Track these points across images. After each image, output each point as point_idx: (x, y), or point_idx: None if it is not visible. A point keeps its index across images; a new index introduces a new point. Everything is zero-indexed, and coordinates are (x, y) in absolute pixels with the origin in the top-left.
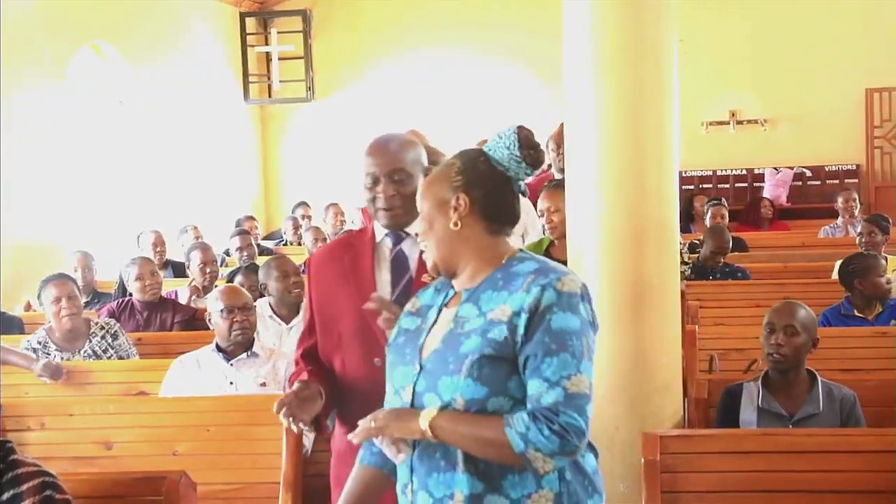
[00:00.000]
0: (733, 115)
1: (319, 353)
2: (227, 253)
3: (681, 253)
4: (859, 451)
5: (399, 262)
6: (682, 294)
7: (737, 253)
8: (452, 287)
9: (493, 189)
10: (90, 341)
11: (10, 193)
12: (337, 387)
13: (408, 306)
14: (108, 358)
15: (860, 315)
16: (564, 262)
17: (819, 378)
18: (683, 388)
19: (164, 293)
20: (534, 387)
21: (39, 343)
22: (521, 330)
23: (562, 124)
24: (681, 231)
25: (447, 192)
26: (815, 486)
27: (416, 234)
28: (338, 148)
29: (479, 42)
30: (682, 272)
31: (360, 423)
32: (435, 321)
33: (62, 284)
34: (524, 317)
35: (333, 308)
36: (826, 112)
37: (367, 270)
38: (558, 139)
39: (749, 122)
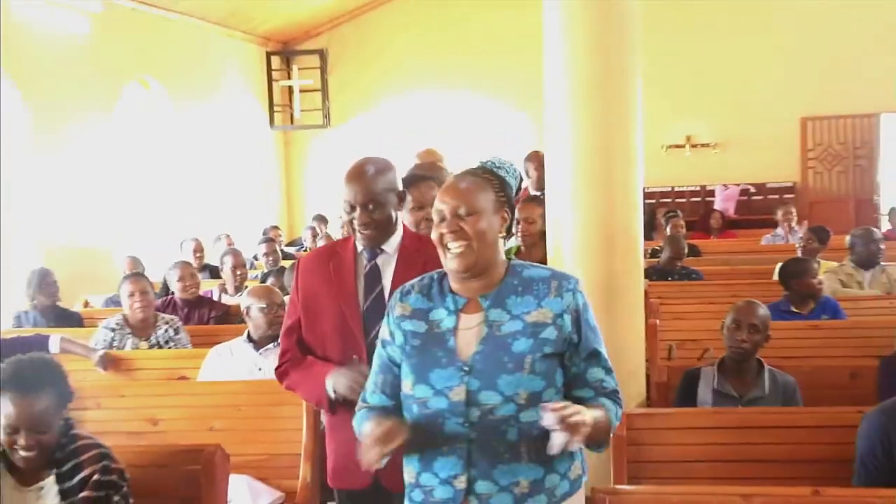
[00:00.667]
0: (688, 139)
1: (305, 347)
2: (256, 258)
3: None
4: (798, 426)
5: (373, 275)
6: (646, 293)
7: (691, 257)
8: (452, 293)
9: (512, 207)
10: (157, 332)
11: (69, 205)
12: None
13: (397, 311)
14: (169, 348)
15: (796, 311)
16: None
17: (765, 365)
18: (646, 373)
19: (201, 292)
20: (595, 375)
21: (117, 325)
22: (568, 328)
23: (537, 151)
24: (644, 239)
25: (496, 205)
26: (762, 457)
27: (448, 236)
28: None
29: (469, 76)
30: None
31: (556, 407)
32: (456, 325)
33: (137, 282)
34: (567, 318)
35: (318, 307)
36: (767, 137)
37: (348, 277)
38: (535, 163)
39: (702, 145)
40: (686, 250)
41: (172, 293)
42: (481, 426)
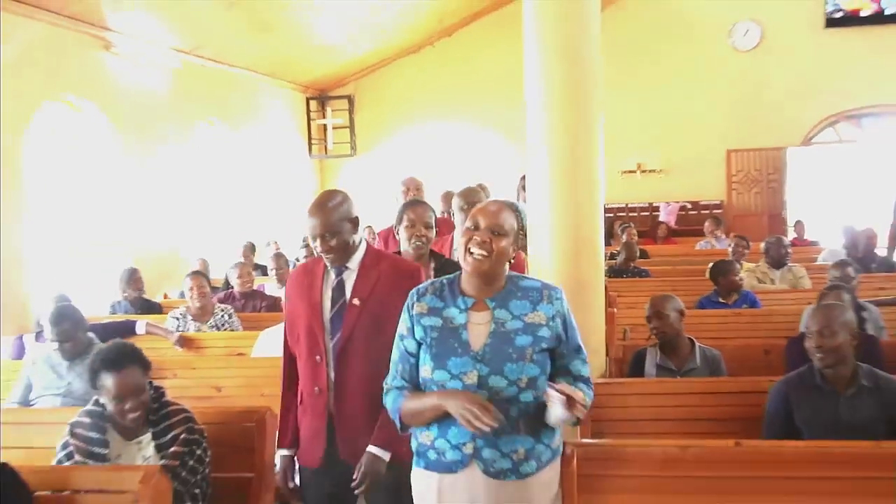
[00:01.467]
0: (639, 166)
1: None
2: (297, 259)
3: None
4: (723, 392)
5: (339, 289)
6: (606, 287)
7: (642, 259)
8: (462, 294)
9: (525, 243)
10: (214, 317)
11: (153, 217)
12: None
13: (416, 309)
14: (224, 330)
15: (723, 301)
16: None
17: (696, 343)
18: (606, 350)
19: (255, 287)
20: (576, 366)
21: (181, 314)
22: (558, 329)
23: (524, 175)
24: (605, 245)
25: (515, 236)
26: (695, 416)
27: (473, 246)
28: (372, 188)
29: (467, 114)
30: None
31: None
32: (466, 321)
33: (196, 277)
34: (558, 321)
35: (295, 314)
36: (700, 165)
37: (315, 292)
38: (523, 184)
39: (649, 171)
40: (637, 254)
41: (232, 287)
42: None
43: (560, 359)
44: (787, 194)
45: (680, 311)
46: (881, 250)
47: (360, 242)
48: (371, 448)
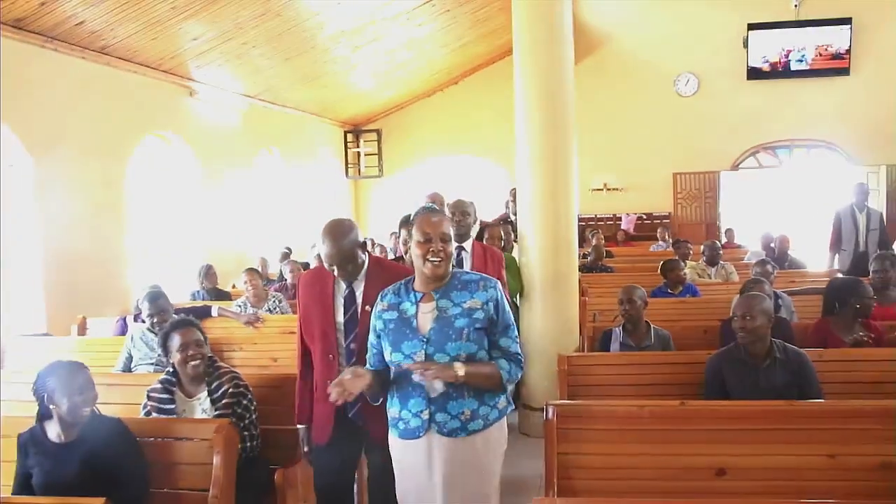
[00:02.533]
0: (605, 185)
1: (305, 343)
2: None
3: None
4: (672, 363)
5: (350, 297)
6: (579, 281)
7: (607, 258)
8: (414, 291)
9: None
10: (268, 303)
11: (224, 225)
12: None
13: (378, 307)
14: (277, 313)
15: (671, 292)
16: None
17: (651, 325)
18: (580, 330)
19: None
20: (505, 343)
21: (242, 302)
22: (490, 311)
23: (514, 188)
24: (578, 247)
25: (451, 237)
26: (650, 382)
27: (443, 253)
28: (395, 203)
29: (469, 144)
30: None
31: (414, 367)
32: (416, 311)
33: (249, 273)
34: (490, 305)
35: (310, 317)
36: (653, 184)
37: (328, 300)
38: (512, 196)
39: (613, 189)
40: (604, 254)
41: (285, 279)
42: None
43: (492, 336)
44: (720, 208)
45: (644, 300)
46: (792, 252)
47: (364, 261)
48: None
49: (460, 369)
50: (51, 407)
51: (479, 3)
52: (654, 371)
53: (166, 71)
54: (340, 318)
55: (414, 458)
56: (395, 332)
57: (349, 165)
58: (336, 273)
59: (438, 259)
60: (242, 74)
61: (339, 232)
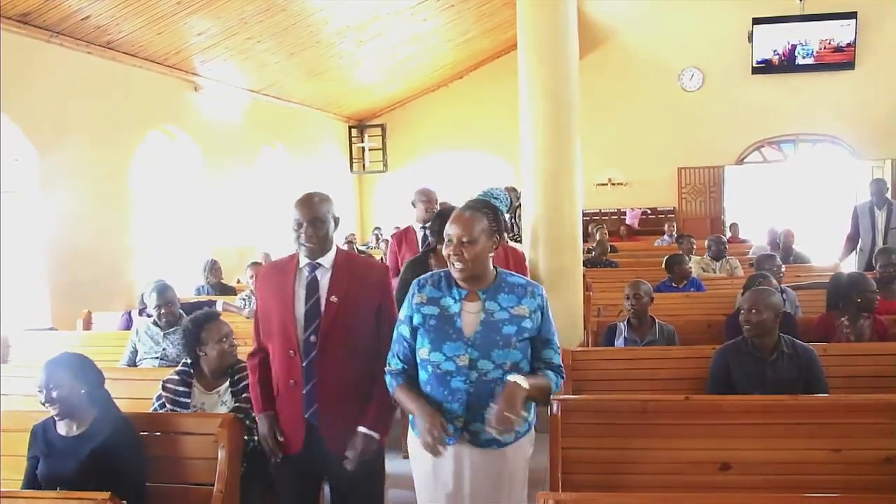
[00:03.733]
0: (610, 180)
1: (261, 340)
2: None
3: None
4: (676, 357)
5: (312, 284)
6: (584, 275)
7: (612, 253)
8: (458, 286)
9: (501, 233)
10: None
11: (228, 220)
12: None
13: (416, 299)
14: None
15: (675, 286)
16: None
17: (656, 320)
18: (584, 325)
19: None
20: (548, 354)
21: (246, 296)
22: (538, 320)
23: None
24: (583, 242)
25: (488, 232)
26: (654, 377)
27: (457, 251)
28: (400, 198)
29: (473, 140)
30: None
31: (495, 424)
32: (460, 310)
33: (253, 267)
34: (538, 314)
35: (268, 310)
36: (658, 179)
37: (289, 288)
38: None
39: (618, 184)
40: (608, 249)
41: None
42: (478, 384)
43: (537, 346)
44: (725, 202)
45: (650, 295)
46: (797, 246)
47: (333, 243)
48: (363, 429)
49: (523, 382)
50: (55, 400)
51: None
52: (658, 366)
53: (171, 66)
54: (301, 308)
55: (441, 467)
56: (437, 330)
57: (353, 160)
58: (305, 241)
59: (460, 263)
60: (247, 69)
61: (314, 194)
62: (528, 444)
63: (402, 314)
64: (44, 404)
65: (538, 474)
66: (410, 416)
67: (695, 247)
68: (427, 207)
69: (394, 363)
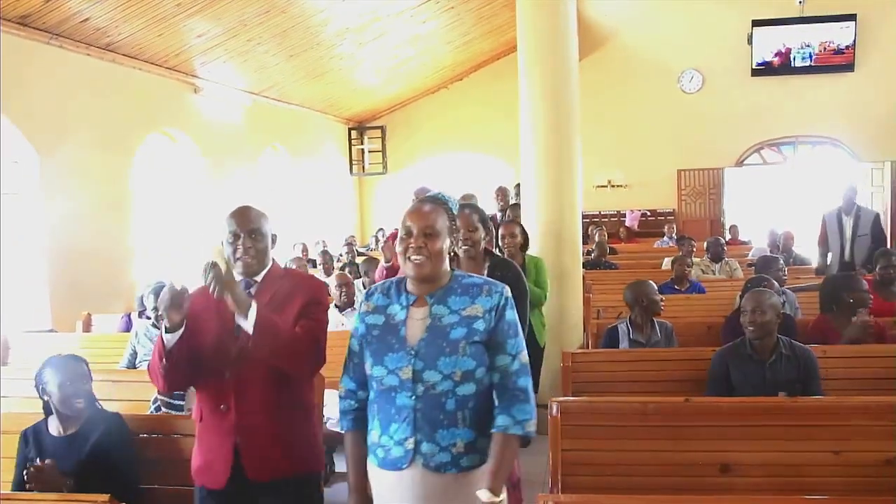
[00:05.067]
0: (609, 181)
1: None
2: (341, 255)
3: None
4: (677, 359)
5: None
6: (583, 277)
7: (611, 255)
8: (407, 292)
9: (458, 234)
10: None
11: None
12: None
13: (363, 308)
14: None
15: (677, 288)
16: (522, 267)
17: (655, 319)
18: (584, 327)
19: None
20: (502, 360)
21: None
22: (493, 321)
23: (501, 187)
24: (582, 243)
25: (449, 230)
26: (654, 379)
27: (414, 250)
28: (400, 200)
29: (473, 142)
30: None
31: None
32: (406, 317)
33: None
34: (493, 313)
35: (199, 328)
36: (657, 180)
37: (225, 305)
38: (517, 191)
39: (618, 185)
40: (608, 251)
41: None
42: (425, 398)
43: (489, 351)
44: (724, 204)
45: (660, 297)
46: (797, 248)
47: (270, 261)
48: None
49: (490, 498)
50: (44, 398)
51: None
52: (658, 367)
53: (171, 68)
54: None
55: (394, 494)
56: (379, 341)
57: (353, 162)
58: (241, 255)
59: (420, 257)
60: (247, 71)
61: (249, 207)
62: None
63: (353, 326)
64: (46, 402)
65: (538, 476)
66: (369, 444)
67: (694, 248)
68: None
69: (345, 383)
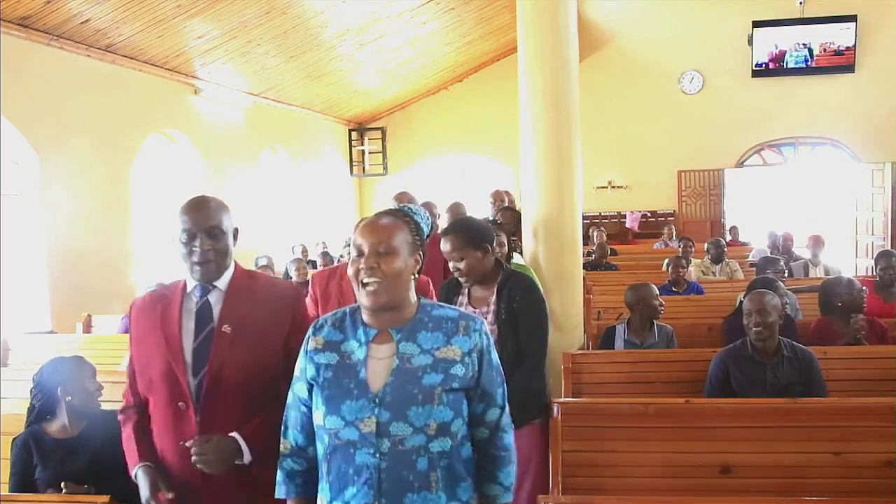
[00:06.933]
0: (610, 183)
1: (138, 391)
2: (341, 256)
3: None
4: (676, 360)
5: (203, 313)
6: (584, 278)
7: (612, 256)
8: (364, 325)
9: (425, 251)
10: None
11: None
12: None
13: (311, 344)
14: None
15: (675, 290)
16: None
17: (655, 322)
18: (584, 328)
19: (308, 277)
20: (493, 414)
21: None
22: (474, 366)
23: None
24: (583, 245)
25: (411, 247)
26: (654, 380)
27: (369, 272)
28: (392, 204)
29: (473, 143)
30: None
31: None
32: (366, 356)
33: (264, 269)
34: (474, 356)
35: (146, 354)
36: (658, 181)
37: (174, 320)
38: (493, 199)
39: (618, 186)
40: (608, 252)
41: (291, 278)
42: (391, 456)
43: (473, 402)
44: (724, 205)
45: (660, 300)
46: (797, 249)
47: (231, 262)
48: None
49: None
50: (66, 399)
51: (483, 0)
52: (658, 369)
53: (171, 69)
54: (190, 345)
55: None
56: (335, 385)
57: (353, 163)
58: (198, 259)
59: (374, 279)
60: (247, 72)
61: (206, 198)
62: None
63: (297, 367)
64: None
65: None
66: None
67: (692, 250)
68: None
69: (289, 437)
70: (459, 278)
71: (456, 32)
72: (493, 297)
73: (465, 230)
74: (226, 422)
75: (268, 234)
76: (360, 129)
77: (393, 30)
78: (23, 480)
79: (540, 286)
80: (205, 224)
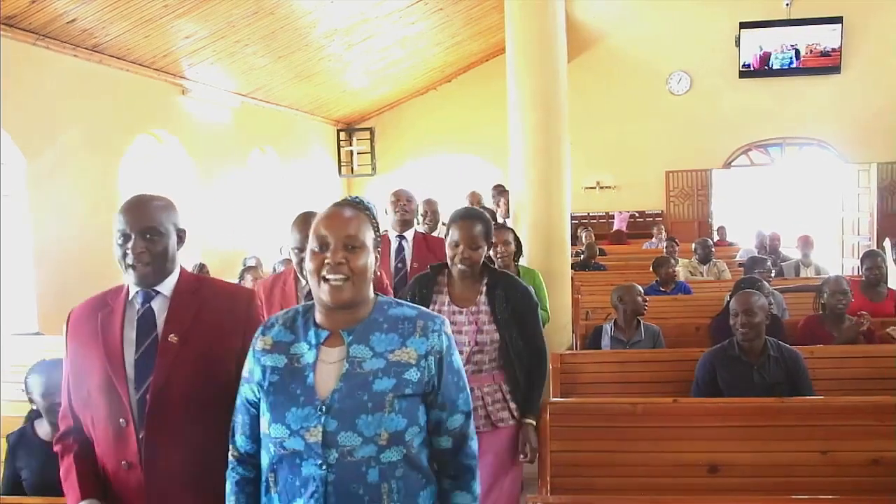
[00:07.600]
0: (598, 183)
1: (74, 409)
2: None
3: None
4: (663, 360)
5: (146, 320)
6: (572, 278)
7: (600, 256)
8: (316, 326)
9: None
10: None
11: (217, 223)
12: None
13: (258, 345)
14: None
15: (663, 289)
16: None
17: (641, 321)
18: (572, 328)
19: None
20: (455, 421)
21: None
22: (432, 370)
23: (498, 185)
24: (571, 245)
25: (374, 243)
26: (641, 380)
27: (330, 268)
28: (387, 201)
29: (462, 143)
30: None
31: None
32: (315, 360)
33: (252, 271)
34: (432, 360)
35: (84, 366)
36: (646, 182)
37: (115, 329)
38: (496, 192)
39: (606, 187)
40: (597, 252)
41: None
42: (340, 468)
43: (433, 410)
44: (712, 205)
45: (643, 297)
46: (785, 249)
47: (176, 265)
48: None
49: None
50: (50, 402)
51: (472, 1)
52: (646, 368)
53: (159, 69)
54: (132, 356)
55: None
56: (280, 391)
57: (342, 164)
58: (133, 262)
59: (340, 276)
60: (235, 73)
61: (146, 197)
62: None
63: (245, 368)
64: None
65: (527, 477)
66: None
67: (677, 250)
68: (397, 209)
69: (237, 442)
70: (460, 265)
71: (444, 33)
72: (483, 298)
73: (489, 223)
74: (172, 439)
75: (256, 234)
76: (348, 130)
77: (381, 30)
78: (8, 483)
79: (546, 293)
80: (139, 225)
